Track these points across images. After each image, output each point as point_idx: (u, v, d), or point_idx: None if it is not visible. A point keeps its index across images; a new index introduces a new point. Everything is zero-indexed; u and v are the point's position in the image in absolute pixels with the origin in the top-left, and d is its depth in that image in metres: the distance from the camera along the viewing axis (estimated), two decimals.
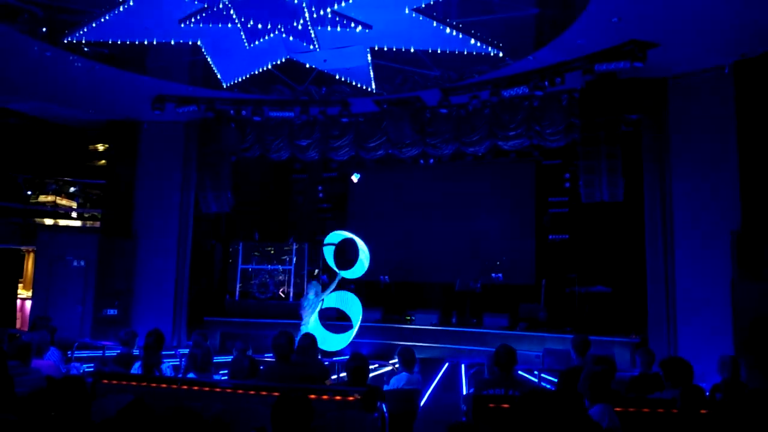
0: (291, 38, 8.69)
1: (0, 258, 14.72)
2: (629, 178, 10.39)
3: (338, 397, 4.38)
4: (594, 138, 10.17)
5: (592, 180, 10.20)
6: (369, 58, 9.80)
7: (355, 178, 15.46)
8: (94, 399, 4.54)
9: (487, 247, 14.27)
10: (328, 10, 7.92)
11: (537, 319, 11.81)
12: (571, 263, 12.90)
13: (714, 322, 9.19)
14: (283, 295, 14.05)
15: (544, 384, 8.49)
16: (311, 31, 8.45)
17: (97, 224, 14.18)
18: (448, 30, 8.60)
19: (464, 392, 8.21)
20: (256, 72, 10.38)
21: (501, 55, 9.42)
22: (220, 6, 7.88)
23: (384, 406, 4.68)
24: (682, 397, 4.00)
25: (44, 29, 9.08)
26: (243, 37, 8.62)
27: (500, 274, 13.06)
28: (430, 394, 8.75)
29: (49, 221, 14.48)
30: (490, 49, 9.19)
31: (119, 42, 9.24)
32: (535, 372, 8.94)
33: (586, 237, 13.04)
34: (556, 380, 6.38)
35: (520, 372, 7.74)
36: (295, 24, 8.25)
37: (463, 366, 10.39)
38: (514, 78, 10.56)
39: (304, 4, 7.72)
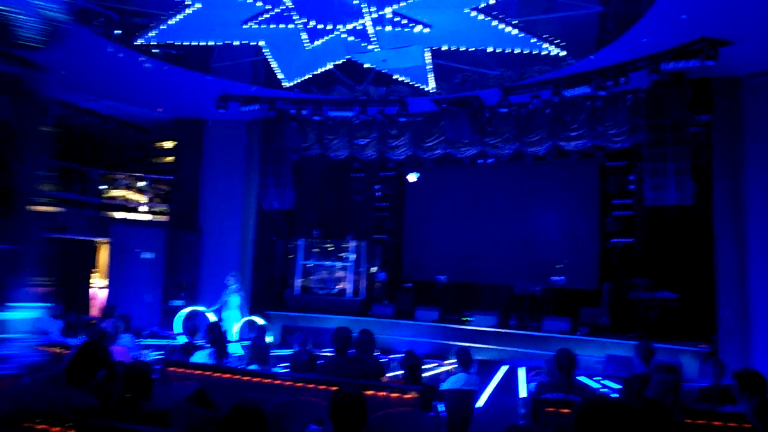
0: (351, 38, 8.79)
1: (75, 249, 15.53)
2: (698, 180, 9.97)
3: (395, 395, 4.41)
4: (660, 139, 9.81)
5: (658, 183, 9.84)
6: (428, 57, 9.80)
7: (412, 177, 15.46)
8: (162, 385, 4.76)
9: (548, 249, 14.00)
10: (388, 10, 7.97)
11: (599, 324, 11.50)
12: (636, 267, 12.48)
13: None
14: (341, 292, 14.22)
15: (605, 391, 8.28)
16: (371, 31, 8.52)
17: (165, 218, 14.75)
18: (508, 29, 8.50)
19: (522, 395, 8.11)
20: (317, 72, 10.55)
21: (563, 54, 9.23)
22: (282, 7, 8.05)
23: (440, 405, 4.68)
24: (757, 411, 3.82)
25: (118, 32, 9.53)
26: (304, 37, 8.78)
27: (561, 277, 12.77)
28: (487, 396, 8.68)
29: (120, 215, 15.15)
30: (551, 48, 9.02)
31: (186, 43, 9.59)
32: (596, 378, 8.72)
33: (652, 241, 12.57)
34: (618, 387, 6.20)
35: (579, 377, 7.57)
36: (355, 24, 8.34)
37: (521, 369, 10.26)
38: (577, 77, 10.33)
39: (364, 5, 7.80)
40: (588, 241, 13.98)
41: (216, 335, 6.07)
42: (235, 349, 9.02)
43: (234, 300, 11.31)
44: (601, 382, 8.58)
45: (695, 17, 7.96)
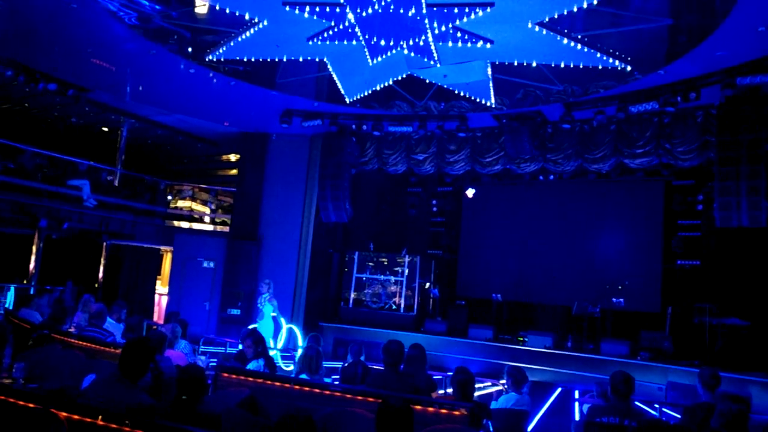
0: (412, 54, 8.85)
1: (143, 256, 16.20)
2: None
3: (444, 411, 4.35)
4: (733, 157, 9.39)
5: (729, 202, 9.40)
6: (489, 72, 9.75)
7: (470, 192, 15.33)
8: (215, 390, 4.88)
9: (608, 270, 13.56)
10: (450, 25, 7.99)
11: (661, 350, 11.02)
12: (702, 292, 11.91)
13: None
14: (394, 306, 14.23)
15: (664, 419, 7.90)
16: (433, 47, 8.56)
17: (226, 229, 15.19)
18: (572, 44, 8.36)
19: (577, 419, 7.85)
20: (378, 87, 10.68)
21: (629, 69, 8.99)
22: (346, 24, 8.21)
23: (490, 424, 4.59)
24: None
25: (190, 49, 9.96)
26: (366, 53, 8.91)
27: (622, 299, 12.33)
28: (539, 418, 8.45)
29: (184, 224, 15.71)
30: (617, 63, 8.81)
31: (253, 59, 9.91)
32: (656, 405, 8.34)
33: (721, 264, 11.99)
34: (679, 416, 5.91)
35: (637, 403, 7.27)
36: (417, 40, 8.40)
37: (576, 392, 9.96)
38: (644, 93, 10.04)
39: (426, 21, 7.85)
40: (651, 263, 13.46)
41: (263, 347, 6.16)
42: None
43: (267, 308, 11.19)
44: (661, 409, 8.19)
45: None
